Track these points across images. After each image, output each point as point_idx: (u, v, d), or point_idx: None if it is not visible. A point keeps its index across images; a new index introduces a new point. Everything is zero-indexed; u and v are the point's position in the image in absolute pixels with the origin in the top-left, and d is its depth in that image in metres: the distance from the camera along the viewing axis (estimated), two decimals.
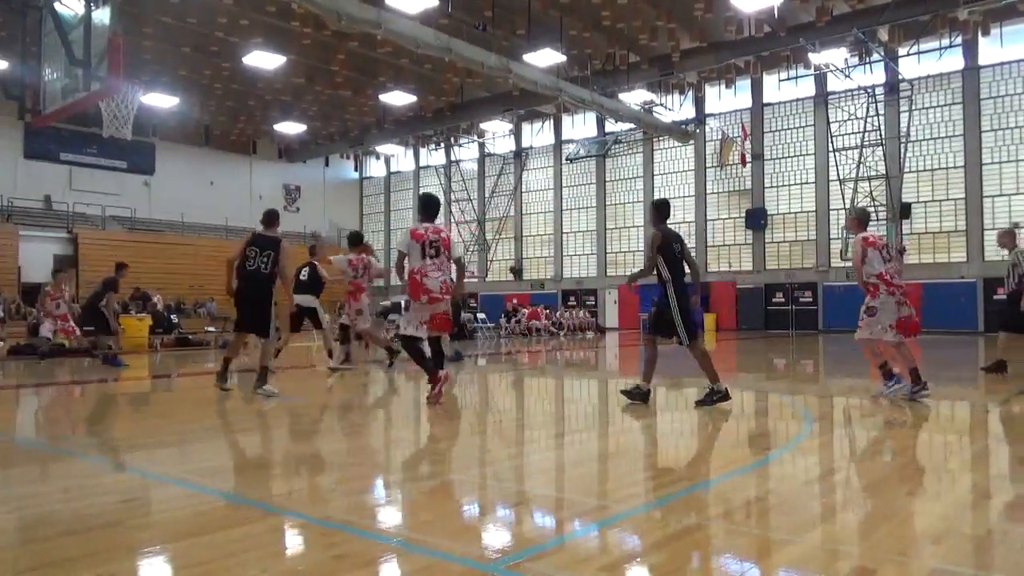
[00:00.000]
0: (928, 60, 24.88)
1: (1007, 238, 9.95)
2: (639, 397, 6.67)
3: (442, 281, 6.64)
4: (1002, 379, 8.98)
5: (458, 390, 8.80)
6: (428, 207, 7.00)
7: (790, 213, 29.24)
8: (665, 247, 6.57)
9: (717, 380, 6.51)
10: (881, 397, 7.09)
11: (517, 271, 36.83)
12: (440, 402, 6.70)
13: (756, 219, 29.61)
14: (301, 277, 10.18)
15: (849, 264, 27.13)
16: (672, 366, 12.73)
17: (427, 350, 6.89)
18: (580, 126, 35.08)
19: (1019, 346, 9.51)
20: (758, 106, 29.91)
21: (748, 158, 29.72)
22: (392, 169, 43.32)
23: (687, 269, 6.72)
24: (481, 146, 38.08)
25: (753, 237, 29.95)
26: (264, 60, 23.52)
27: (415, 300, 6.61)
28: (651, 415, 6.31)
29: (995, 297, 24.95)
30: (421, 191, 6.75)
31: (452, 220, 39.10)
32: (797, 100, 29.00)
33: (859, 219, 7.56)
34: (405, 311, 6.84)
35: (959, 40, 23.68)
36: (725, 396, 6.48)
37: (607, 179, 34.37)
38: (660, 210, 6.86)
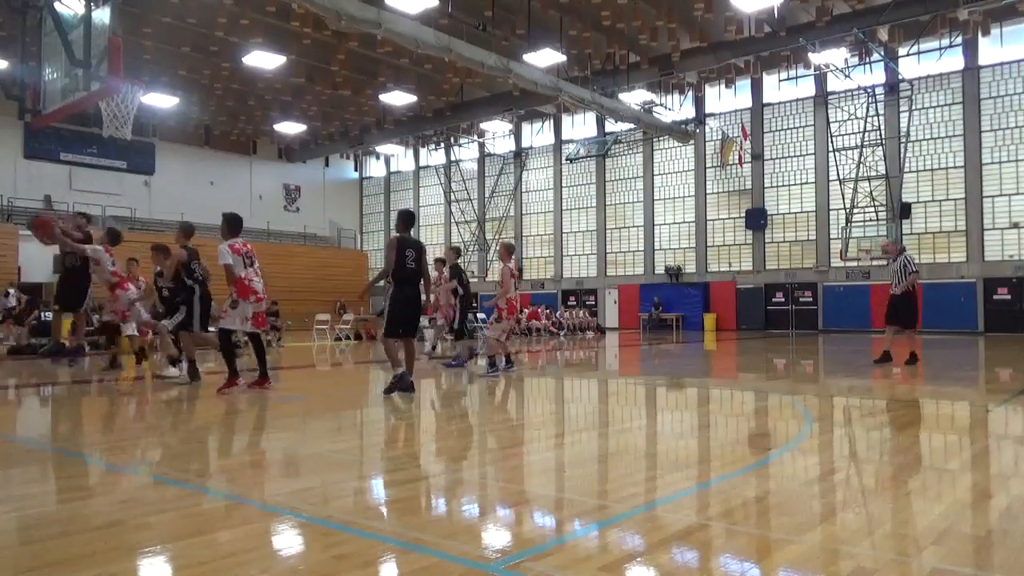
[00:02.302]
0: (928, 60, 24.88)
1: (891, 247, 11.76)
2: (398, 386, 7.59)
3: (262, 285, 8.00)
4: (889, 369, 10.27)
5: (459, 389, 8.80)
6: (236, 225, 8.02)
7: (790, 213, 29.25)
8: (400, 252, 7.58)
9: (397, 368, 7.66)
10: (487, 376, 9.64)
11: (517, 271, 36.83)
12: (223, 393, 7.64)
13: (756, 219, 29.62)
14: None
15: (849, 264, 27.21)
16: (672, 366, 12.75)
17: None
18: (580, 126, 35.07)
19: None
20: (758, 106, 29.92)
21: (748, 158, 29.73)
22: (392, 169, 43.32)
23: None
24: (481, 146, 38.07)
25: (753, 237, 29.96)
26: (264, 60, 23.53)
27: (243, 299, 7.77)
28: (652, 415, 6.30)
29: (995, 297, 25.00)
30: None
31: (452, 220, 39.12)
32: (797, 100, 29.01)
33: (508, 250, 10.70)
34: (232, 308, 7.81)
35: (959, 40, 23.69)
36: (403, 381, 7.58)
37: (607, 179, 34.38)
38: (405, 220, 7.89)
